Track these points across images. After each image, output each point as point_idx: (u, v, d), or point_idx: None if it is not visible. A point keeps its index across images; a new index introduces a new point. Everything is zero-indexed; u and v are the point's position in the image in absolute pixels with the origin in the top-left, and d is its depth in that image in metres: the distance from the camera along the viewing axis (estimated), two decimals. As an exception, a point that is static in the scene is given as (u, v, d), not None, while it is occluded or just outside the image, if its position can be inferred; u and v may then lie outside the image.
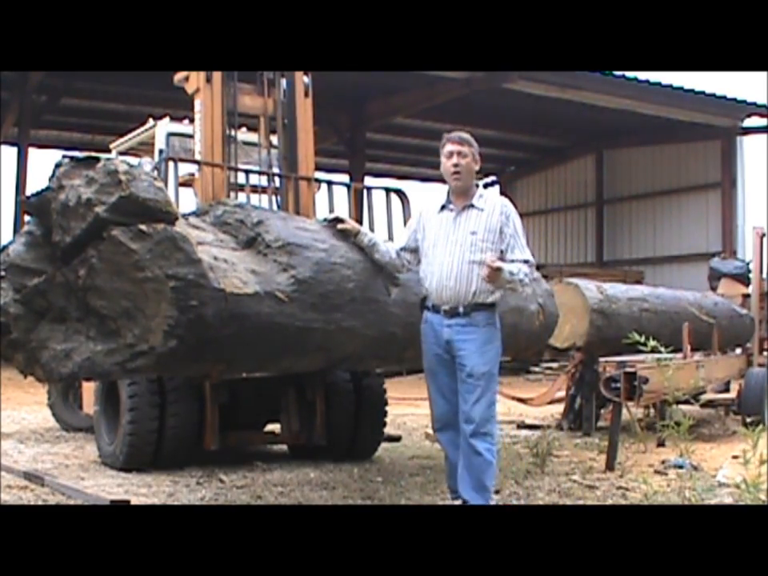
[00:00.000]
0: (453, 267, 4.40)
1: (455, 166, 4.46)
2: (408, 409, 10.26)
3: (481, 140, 4.62)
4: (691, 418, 4.40)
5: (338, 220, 4.76)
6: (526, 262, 4.44)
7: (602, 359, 6.99)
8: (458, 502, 4.51)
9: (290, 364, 4.60)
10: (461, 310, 4.40)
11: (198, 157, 6.07)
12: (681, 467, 5.93)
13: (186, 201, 6.73)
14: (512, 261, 4.40)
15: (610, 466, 6.33)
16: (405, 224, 6.06)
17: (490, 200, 4.53)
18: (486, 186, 4.78)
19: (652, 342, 4.65)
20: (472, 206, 4.47)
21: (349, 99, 18.80)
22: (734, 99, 17.93)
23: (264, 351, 4.19)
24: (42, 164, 19.07)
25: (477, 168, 4.57)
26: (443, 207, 4.55)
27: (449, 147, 4.50)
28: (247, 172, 6.02)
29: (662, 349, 4.79)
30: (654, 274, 20.46)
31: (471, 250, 4.38)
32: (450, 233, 4.47)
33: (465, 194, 4.51)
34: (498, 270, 4.24)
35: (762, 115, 18.12)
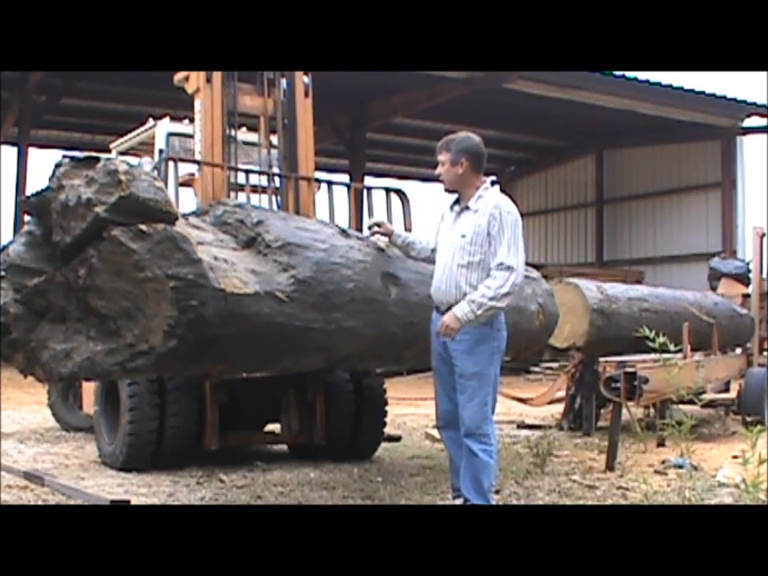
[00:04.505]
0: (444, 270, 4.45)
1: (438, 175, 4.54)
2: (408, 409, 10.26)
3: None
4: (691, 418, 4.40)
5: (377, 225, 4.88)
6: (500, 265, 4.26)
7: (602, 359, 6.99)
8: (458, 501, 4.52)
9: (290, 364, 4.60)
10: None
11: (198, 157, 6.07)
12: (681, 467, 5.92)
13: (186, 201, 6.73)
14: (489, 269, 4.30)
15: (610, 466, 6.33)
16: (405, 224, 6.14)
17: (486, 201, 4.42)
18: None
19: (661, 339, 4.56)
20: (467, 207, 4.47)
21: (349, 99, 18.78)
22: (734, 99, 17.92)
23: (264, 351, 4.19)
24: (42, 164, 19.10)
25: (461, 170, 4.43)
26: (451, 208, 4.60)
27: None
28: (247, 172, 6.02)
29: (672, 347, 4.69)
30: (654, 273, 20.46)
31: (460, 253, 4.38)
32: (448, 235, 4.52)
33: (463, 196, 4.51)
34: (448, 327, 4.26)
35: (762, 115, 18.12)
